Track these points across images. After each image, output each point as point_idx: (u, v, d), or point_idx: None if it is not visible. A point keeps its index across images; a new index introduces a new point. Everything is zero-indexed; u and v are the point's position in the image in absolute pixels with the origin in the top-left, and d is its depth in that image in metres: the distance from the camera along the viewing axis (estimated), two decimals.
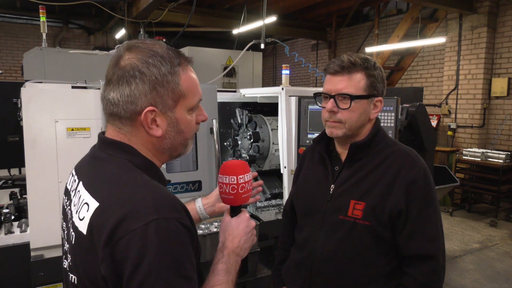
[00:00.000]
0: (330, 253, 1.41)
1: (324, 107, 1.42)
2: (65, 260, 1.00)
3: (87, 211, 0.87)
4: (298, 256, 1.53)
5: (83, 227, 0.87)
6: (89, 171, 0.98)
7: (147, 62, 0.91)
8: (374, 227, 1.34)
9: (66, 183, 1.09)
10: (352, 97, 1.35)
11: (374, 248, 1.37)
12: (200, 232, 2.14)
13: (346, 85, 1.36)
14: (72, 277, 0.93)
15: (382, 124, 1.52)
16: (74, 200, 0.96)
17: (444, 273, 1.36)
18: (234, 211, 1.14)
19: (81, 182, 0.97)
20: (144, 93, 0.91)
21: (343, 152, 1.48)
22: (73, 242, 0.91)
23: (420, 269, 1.33)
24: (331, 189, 1.44)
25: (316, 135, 1.58)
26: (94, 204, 0.87)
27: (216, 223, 2.30)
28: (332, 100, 1.38)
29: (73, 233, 0.91)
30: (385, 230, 1.35)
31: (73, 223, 0.92)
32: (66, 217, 1.01)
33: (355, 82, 1.36)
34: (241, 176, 1.12)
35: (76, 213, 0.91)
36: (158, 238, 0.79)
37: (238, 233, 1.09)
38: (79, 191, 0.95)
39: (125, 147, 0.95)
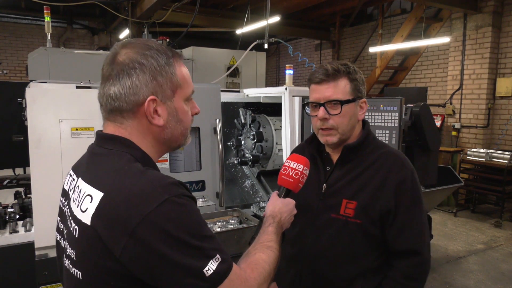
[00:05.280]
0: (321, 249, 1.48)
1: (315, 115, 1.47)
2: (65, 259, 0.98)
3: (91, 202, 0.88)
4: (289, 252, 1.56)
5: (86, 218, 0.87)
6: (88, 166, 0.98)
7: (145, 54, 0.95)
8: (365, 225, 1.41)
9: (63, 184, 1.08)
10: (342, 102, 1.42)
11: (364, 245, 1.44)
12: None
13: (333, 92, 1.42)
14: (76, 272, 0.93)
15: (386, 124, 1.55)
16: (73, 196, 0.96)
17: (429, 266, 1.44)
18: (287, 193, 1.33)
19: (80, 178, 0.97)
20: (145, 83, 0.94)
21: (333, 153, 1.54)
22: (76, 236, 0.91)
23: (406, 262, 1.41)
24: (323, 188, 1.50)
25: None
26: (98, 194, 0.87)
27: (219, 223, 2.29)
28: (322, 108, 1.44)
29: (76, 227, 0.91)
30: (375, 227, 1.42)
31: (74, 217, 0.92)
32: (64, 217, 1.01)
33: (341, 88, 1.43)
34: (306, 168, 1.32)
35: (78, 206, 0.91)
36: (175, 214, 0.84)
37: (286, 210, 1.26)
38: (78, 186, 0.96)
39: (125, 142, 0.96)
